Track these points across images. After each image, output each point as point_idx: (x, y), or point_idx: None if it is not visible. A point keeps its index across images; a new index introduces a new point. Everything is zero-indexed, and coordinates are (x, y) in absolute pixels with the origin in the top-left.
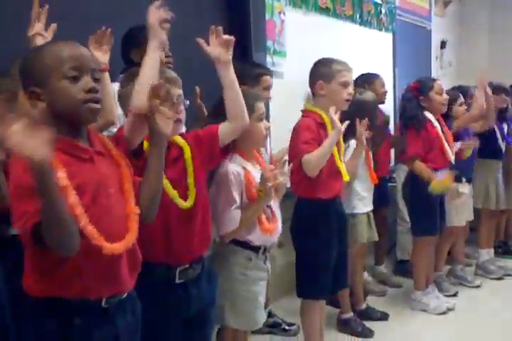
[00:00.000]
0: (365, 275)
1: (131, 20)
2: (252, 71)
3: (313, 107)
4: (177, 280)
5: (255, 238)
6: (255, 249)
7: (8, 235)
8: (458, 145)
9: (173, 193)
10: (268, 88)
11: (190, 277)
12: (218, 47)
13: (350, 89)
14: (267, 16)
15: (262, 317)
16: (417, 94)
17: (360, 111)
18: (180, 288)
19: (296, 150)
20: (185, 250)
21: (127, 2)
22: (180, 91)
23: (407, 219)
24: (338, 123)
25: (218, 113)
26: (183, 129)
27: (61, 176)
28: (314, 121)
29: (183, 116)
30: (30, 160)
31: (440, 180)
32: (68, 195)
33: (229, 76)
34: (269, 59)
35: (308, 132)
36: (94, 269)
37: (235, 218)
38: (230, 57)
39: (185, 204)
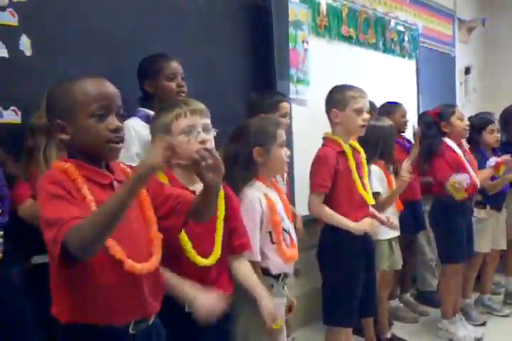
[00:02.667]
0: (397, 302)
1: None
2: (270, 98)
3: (333, 135)
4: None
5: (275, 267)
6: (275, 276)
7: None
8: (492, 160)
9: (191, 251)
10: (286, 115)
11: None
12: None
13: (365, 115)
14: (291, 45)
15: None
16: (437, 120)
17: (376, 137)
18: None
19: (311, 184)
20: None
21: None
22: (208, 121)
23: (424, 250)
24: (363, 229)
25: (237, 139)
26: None
27: (91, 200)
28: (333, 151)
29: (210, 145)
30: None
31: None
32: None
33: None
34: (292, 87)
35: (324, 168)
36: (118, 291)
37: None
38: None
39: (204, 262)
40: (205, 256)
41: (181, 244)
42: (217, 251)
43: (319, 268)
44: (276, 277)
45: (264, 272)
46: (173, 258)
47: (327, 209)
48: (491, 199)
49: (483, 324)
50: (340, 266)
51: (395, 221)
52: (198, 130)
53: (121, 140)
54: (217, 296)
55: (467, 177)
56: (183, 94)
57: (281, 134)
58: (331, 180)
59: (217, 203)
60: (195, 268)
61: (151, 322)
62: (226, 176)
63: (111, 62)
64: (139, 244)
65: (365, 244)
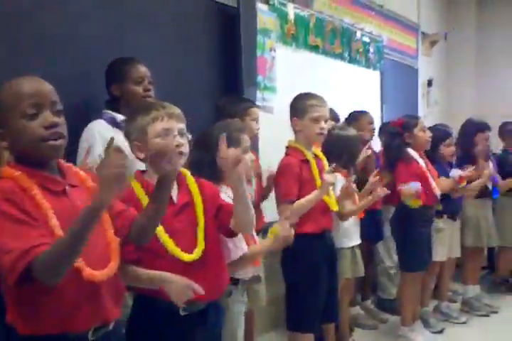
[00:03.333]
0: (357, 309)
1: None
2: (241, 104)
3: (295, 143)
4: (181, 313)
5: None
6: (234, 283)
7: None
8: (455, 172)
9: (173, 247)
10: (256, 119)
11: (194, 310)
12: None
13: (322, 124)
14: (258, 53)
15: None
16: (401, 131)
17: (339, 146)
18: (185, 321)
19: (278, 195)
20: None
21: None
22: (183, 125)
23: (383, 258)
24: (327, 186)
25: (202, 145)
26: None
27: (47, 208)
28: (296, 159)
29: (185, 149)
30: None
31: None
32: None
33: (238, 190)
34: (259, 94)
35: (289, 177)
36: (76, 298)
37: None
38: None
39: (189, 257)
40: (189, 250)
41: (162, 243)
42: (200, 244)
43: (283, 275)
44: (236, 283)
45: None
46: (155, 258)
47: (296, 204)
48: (447, 208)
49: (441, 331)
50: (303, 274)
51: (357, 230)
52: (174, 133)
53: (60, 136)
54: (188, 282)
55: (417, 186)
56: (150, 99)
57: (245, 139)
58: (297, 187)
59: (192, 191)
60: (181, 264)
61: (110, 327)
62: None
63: (79, 64)
64: (95, 249)
65: (329, 251)
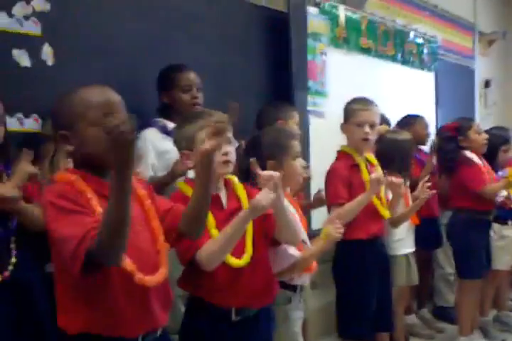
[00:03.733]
0: (413, 317)
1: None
2: (280, 109)
3: (346, 148)
4: (233, 318)
5: (296, 277)
6: (293, 289)
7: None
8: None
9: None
10: (296, 124)
11: (247, 315)
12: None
13: (366, 128)
14: (309, 57)
15: None
16: (455, 134)
17: (392, 150)
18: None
19: (327, 199)
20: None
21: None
22: (230, 133)
23: (443, 264)
24: (377, 187)
25: (251, 152)
26: None
27: (100, 213)
28: (345, 164)
29: (231, 157)
30: None
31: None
32: None
33: (277, 206)
34: (310, 99)
35: (338, 181)
36: (127, 302)
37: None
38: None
39: (238, 263)
40: (238, 256)
41: None
42: (249, 250)
43: (334, 281)
44: (294, 289)
45: (281, 285)
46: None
47: (345, 205)
48: (510, 214)
49: None
50: (353, 280)
51: (411, 237)
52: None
53: None
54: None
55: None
56: (198, 106)
57: (295, 145)
58: (347, 190)
59: (240, 197)
60: (229, 270)
61: (158, 334)
62: None
63: (130, 72)
64: (146, 255)
65: (380, 258)
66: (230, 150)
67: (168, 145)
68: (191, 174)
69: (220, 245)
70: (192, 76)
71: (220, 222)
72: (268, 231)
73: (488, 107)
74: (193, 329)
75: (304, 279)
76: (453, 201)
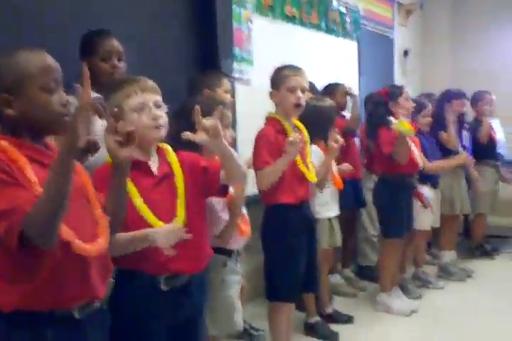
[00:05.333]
0: (338, 277)
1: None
2: (210, 76)
3: (274, 114)
4: (163, 287)
5: (231, 241)
6: (229, 253)
7: None
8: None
9: (151, 218)
10: (227, 92)
11: (177, 283)
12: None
13: (299, 93)
14: (235, 24)
15: (240, 321)
16: (386, 99)
17: (316, 117)
18: (166, 296)
19: (253, 165)
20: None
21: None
22: (159, 97)
23: (367, 226)
24: (295, 149)
25: (181, 117)
26: None
27: (35, 182)
28: (273, 129)
29: (163, 121)
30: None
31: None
32: None
33: (221, 151)
34: (236, 66)
35: (265, 146)
36: (66, 273)
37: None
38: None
39: None
40: (169, 221)
41: (141, 214)
42: (180, 213)
43: (262, 246)
44: (230, 253)
45: (215, 250)
46: (135, 229)
47: (264, 169)
48: (429, 177)
49: (419, 297)
50: (283, 244)
51: (336, 201)
52: (149, 107)
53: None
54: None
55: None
56: (119, 73)
57: (226, 115)
58: (272, 156)
59: (171, 163)
60: None
61: (96, 306)
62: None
63: (52, 44)
64: (85, 226)
65: (307, 222)
66: (161, 114)
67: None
68: None
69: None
70: (113, 43)
71: (148, 189)
72: (213, 181)
73: (406, 76)
74: (122, 299)
75: (239, 243)
76: (377, 164)
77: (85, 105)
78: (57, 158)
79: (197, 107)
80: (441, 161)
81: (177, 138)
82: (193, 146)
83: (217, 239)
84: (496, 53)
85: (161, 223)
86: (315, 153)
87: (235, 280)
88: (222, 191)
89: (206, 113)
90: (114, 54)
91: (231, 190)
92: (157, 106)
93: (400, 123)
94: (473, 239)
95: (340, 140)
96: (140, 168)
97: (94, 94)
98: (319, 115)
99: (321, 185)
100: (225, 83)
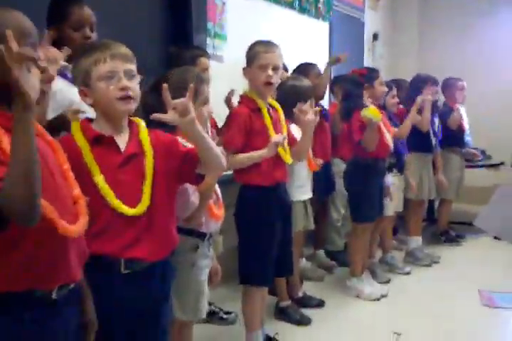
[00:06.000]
0: (303, 262)
1: None
2: (189, 53)
3: (248, 92)
4: (123, 270)
5: (203, 225)
6: (201, 237)
7: None
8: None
9: (114, 200)
10: (205, 70)
11: (138, 268)
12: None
13: (269, 71)
14: None
15: (205, 306)
16: (362, 81)
17: (292, 96)
18: (127, 280)
19: (225, 144)
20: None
21: None
22: (132, 66)
23: (332, 212)
24: (276, 149)
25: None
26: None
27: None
28: (247, 108)
29: (134, 92)
30: None
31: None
32: None
33: (193, 134)
34: (209, 42)
35: (236, 126)
36: (44, 254)
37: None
38: (189, 119)
39: (131, 211)
40: (134, 205)
41: (102, 195)
42: (145, 199)
43: (236, 228)
44: (202, 236)
45: (187, 233)
46: (98, 209)
47: (237, 156)
48: (395, 163)
49: (388, 281)
50: (256, 226)
51: (309, 183)
52: (119, 76)
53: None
54: None
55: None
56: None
57: (204, 91)
58: (243, 137)
59: (142, 141)
60: (124, 218)
61: (72, 286)
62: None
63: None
64: (65, 201)
65: (283, 204)
66: (131, 85)
67: (59, 84)
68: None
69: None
70: (87, 12)
71: (114, 167)
72: (191, 168)
73: (375, 60)
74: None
75: (211, 227)
76: (347, 147)
77: (12, 55)
78: (14, 118)
79: (165, 85)
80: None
81: (152, 110)
82: (167, 126)
83: (185, 222)
84: (464, 41)
85: (124, 206)
86: (295, 131)
87: (206, 265)
88: (197, 179)
89: (183, 89)
90: (87, 23)
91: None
92: (129, 76)
93: (369, 110)
94: (438, 225)
95: (310, 109)
96: (105, 143)
97: (63, 63)
98: (296, 95)
99: (300, 157)
100: (204, 61)
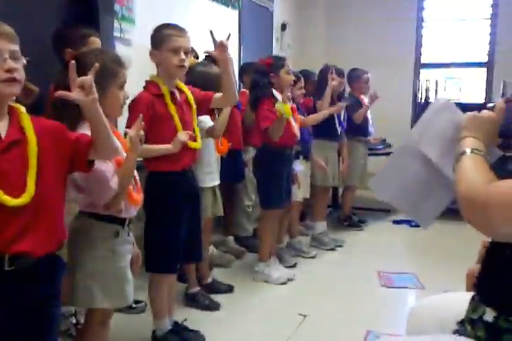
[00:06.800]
0: (211, 248)
1: None
2: (78, 32)
3: (154, 77)
4: (6, 267)
5: (123, 211)
6: (121, 222)
7: None
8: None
9: None
10: None
11: (24, 264)
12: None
13: (182, 55)
14: None
15: (131, 292)
16: (268, 70)
17: (204, 83)
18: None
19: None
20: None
21: None
22: (16, 47)
23: (242, 197)
24: (180, 146)
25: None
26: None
27: None
28: (148, 94)
29: (18, 75)
30: None
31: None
32: None
33: (95, 114)
34: (117, 24)
35: (133, 113)
36: None
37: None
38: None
39: (14, 202)
40: (17, 195)
41: None
42: (30, 188)
43: (145, 215)
44: (122, 222)
45: (107, 219)
46: None
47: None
48: (302, 150)
49: (294, 265)
50: (164, 214)
51: (218, 170)
52: (4, 57)
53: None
54: None
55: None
56: None
57: (123, 74)
58: (145, 124)
59: (25, 128)
60: (8, 209)
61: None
62: (56, 113)
63: None
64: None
65: (191, 190)
66: (16, 66)
67: None
68: None
69: None
70: None
71: None
72: (81, 155)
73: (283, 50)
74: None
75: (131, 212)
76: (256, 135)
77: None
78: None
79: (72, 62)
80: (314, 114)
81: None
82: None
83: (105, 208)
84: (370, 31)
85: (5, 197)
86: (204, 118)
87: (126, 250)
88: (88, 166)
89: (104, 71)
90: None
91: (121, 156)
92: (13, 57)
93: (283, 106)
94: (342, 211)
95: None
96: None
97: None
98: (206, 81)
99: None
100: (95, 41)
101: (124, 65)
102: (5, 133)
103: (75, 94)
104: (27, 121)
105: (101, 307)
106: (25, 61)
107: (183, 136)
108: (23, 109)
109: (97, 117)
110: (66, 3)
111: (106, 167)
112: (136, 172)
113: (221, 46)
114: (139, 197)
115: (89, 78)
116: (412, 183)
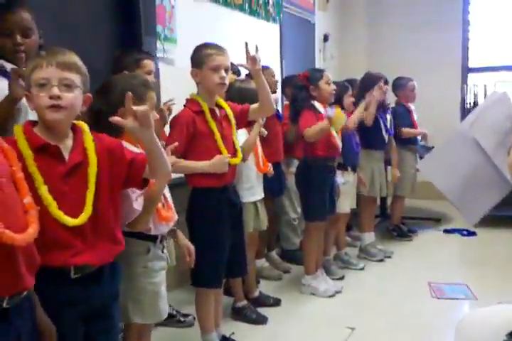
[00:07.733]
0: (262, 261)
1: None
2: (132, 55)
3: (194, 95)
4: (72, 276)
5: (152, 227)
6: (152, 239)
7: None
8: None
9: (55, 210)
10: (149, 72)
11: (87, 271)
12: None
13: (222, 73)
14: (157, 1)
15: (166, 308)
16: (306, 83)
17: (241, 98)
18: (76, 284)
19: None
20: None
21: None
22: (71, 75)
23: (287, 210)
24: (222, 166)
25: (102, 95)
26: None
27: None
28: (190, 111)
29: (64, 102)
30: None
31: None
32: None
33: (149, 141)
34: (159, 45)
35: (175, 130)
36: None
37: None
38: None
39: (73, 222)
40: (76, 215)
41: (45, 206)
42: (88, 209)
43: (188, 231)
44: (153, 239)
45: (138, 236)
46: (42, 219)
47: (182, 163)
48: (349, 161)
49: (342, 278)
50: (207, 230)
51: (260, 185)
52: (51, 84)
53: None
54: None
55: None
56: (23, 54)
57: (152, 97)
58: (184, 141)
59: (87, 149)
60: (68, 228)
61: (24, 295)
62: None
63: None
64: (13, 212)
65: (233, 205)
66: (62, 94)
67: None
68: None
69: None
70: (18, 17)
71: (58, 177)
72: (137, 174)
73: (326, 61)
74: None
75: (161, 229)
76: (299, 147)
77: None
78: None
79: (129, 94)
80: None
81: (96, 118)
82: (114, 130)
83: (128, 227)
84: (414, 37)
85: (65, 217)
86: (241, 137)
87: (161, 267)
88: (143, 184)
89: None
90: (17, 30)
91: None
92: (65, 85)
93: (336, 113)
94: (391, 221)
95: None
96: (49, 152)
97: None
98: (244, 97)
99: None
100: (148, 63)
101: (151, 86)
102: (68, 156)
103: (129, 123)
104: (89, 142)
105: (136, 323)
106: (80, 90)
107: (225, 158)
108: (86, 127)
109: (152, 145)
110: (110, 27)
111: (130, 189)
112: (167, 189)
113: (252, 59)
114: (168, 214)
115: (145, 109)
116: (461, 169)
